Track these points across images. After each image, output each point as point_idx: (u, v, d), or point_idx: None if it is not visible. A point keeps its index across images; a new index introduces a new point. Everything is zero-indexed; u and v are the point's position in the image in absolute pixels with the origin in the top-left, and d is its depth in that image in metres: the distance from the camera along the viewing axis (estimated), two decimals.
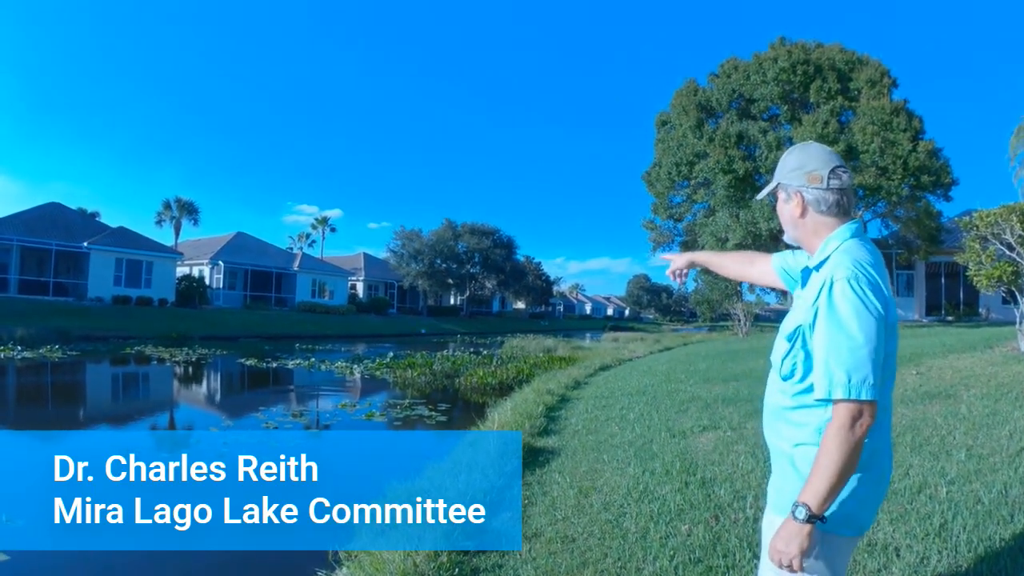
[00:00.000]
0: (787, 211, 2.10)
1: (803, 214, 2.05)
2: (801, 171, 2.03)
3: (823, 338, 1.83)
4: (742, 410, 8.40)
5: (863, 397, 1.74)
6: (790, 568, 1.82)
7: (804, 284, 2.07)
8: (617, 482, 5.59)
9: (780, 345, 2.06)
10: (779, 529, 1.85)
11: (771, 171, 28.67)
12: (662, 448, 6.69)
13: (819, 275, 1.93)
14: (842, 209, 2.01)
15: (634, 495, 5.15)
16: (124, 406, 13.75)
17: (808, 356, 1.92)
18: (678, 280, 2.82)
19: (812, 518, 1.77)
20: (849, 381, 1.75)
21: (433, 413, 11.71)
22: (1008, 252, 11.12)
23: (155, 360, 21.88)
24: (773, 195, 2.19)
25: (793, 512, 1.80)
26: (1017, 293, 11.25)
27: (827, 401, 1.82)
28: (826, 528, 1.85)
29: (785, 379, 2.02)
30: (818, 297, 1.88)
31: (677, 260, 2.76)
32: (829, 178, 1.99)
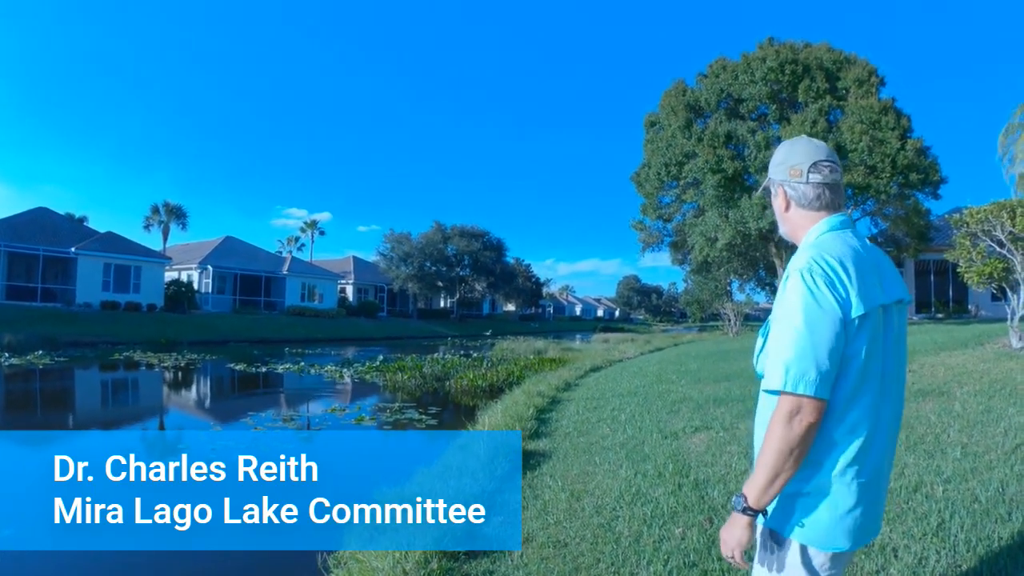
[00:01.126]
0: (775, 206, 2.11)
1: (787, 208, 2.06)
2: (784, 166, 2.04)
3: (774, 330, 1.82)
4: (734, 410, 8.35)
5: (800, 391, 1.68)
6: (732, 559, 1.82)
7: None
8: (609, 485, 5.52)
9: (757, 342, 2.05)
10: (728, 519, 1.84)
11: (760, 170, 28.78)
12: (654, 450, 6.63)
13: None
14: (824, 203, 1.99)
15: (626, 498, 5.08)
16: (113, 412, 13.63)
17: None
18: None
19: (748, 511, 1.76)
20: (787, 372, 1.70)
21: (423, 416, 11.63)
22: (999, 249, 11.12)
23: (144, 366, 21.73)
24: (767, 190, 2.17)
25: (733, 500, 1.79)
26: (1008, 289, 11.24)
27: (775, 392, 1.78)
28: (802, 540, 1.82)
29: (760, 376, 1.96)
30: (779, 290, 1.87)
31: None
32: (809, 172, 1.98)
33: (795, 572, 1.83)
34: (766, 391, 1.84)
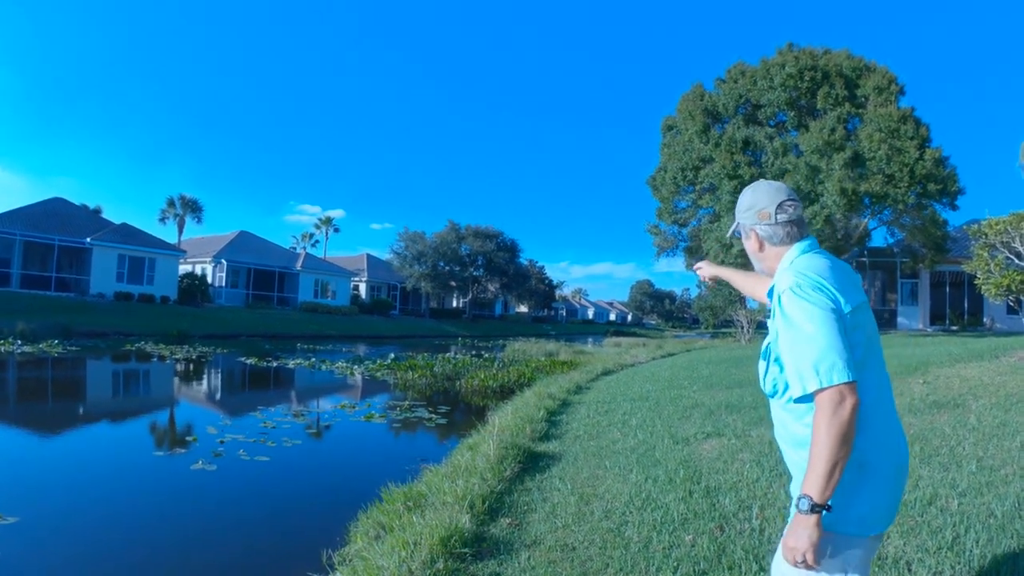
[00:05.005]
0: (749, 247, 2.32)
1: (761, 248, 2.27)
2: (752, 210, 2.25)
3: (784, 346, 1.93)
4: (746, 417, 8.29)
5: (836, 381, 1.78)
6: (805, 564, 1.84)
7: None
8: (619, 489, 5.48)
9: (760, 365, 2.19)
10: (789, 526, 1.88)
11: (777, 177, 28.60)
12: (665, 455, 6.58)
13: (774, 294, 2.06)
14: (792, 238, 2.19)
15: (636, 503, 5.04)
16: (122, 403, 13.67)
17: (783, 370, 2.01)
18: (708, 283, 3.11)
19: (816, 507, 1.79)
20: (818, 372, 1.80)
21: (433, 416, 11.60)
22: (1017, 260, 11.01)
23: (156, 357, 21.80)
24: (736, 233, 2.39)
25: (798, 505, 1.83)
26: None
27: (807, 399, 1.89)
28: (835, 529, 1.88)
29: (771, 396, 2.13)
30: (774, 314, 2.02)
31: (705, 271, 3.04)
32: (776, 213, 2.18)
33: (833, 562, 1.91)
34: (796, 400, 1.93)
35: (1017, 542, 3.76)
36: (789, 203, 2.18)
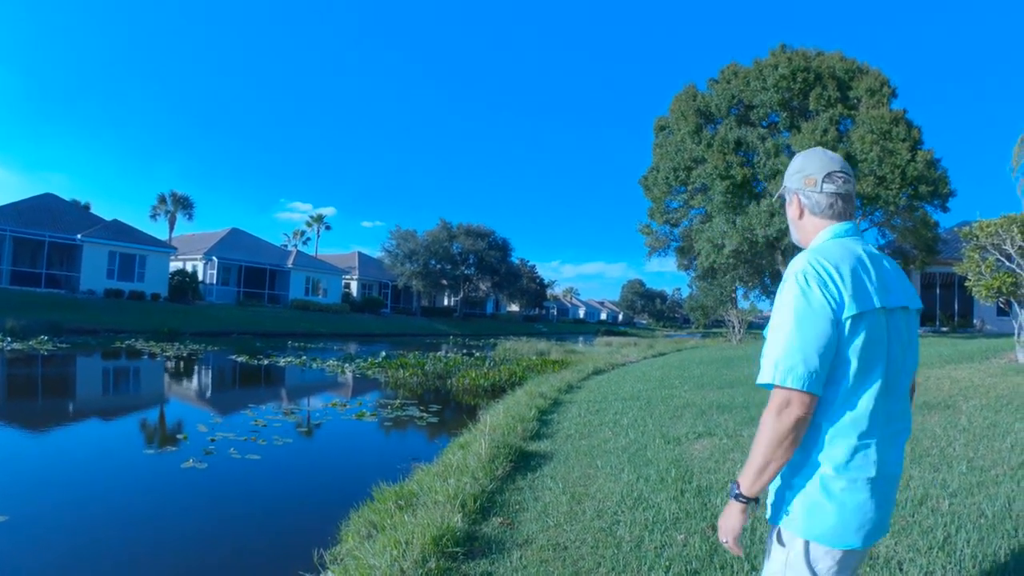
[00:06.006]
0: (789, 213, 2.21)
1: (800, 215, 2.15)
2: (800, 175, 2.14)
3: (770, 329, 1.89)
4: (737, 417, 8.30)
5: (788, 384, 1.75)
6: (727, 544, 1.92)
7: None
8: (611, 489, 5.48)
9: (763, 346, 2.11)
10: (725, 507, 1.94)
11: (769, 178, 28.65)
12: (656, 455, 6.58)
13: None
14: (835, 212, 2.07)
15: (628, 502, 5.04)
16: (112, 401, 13.60)
17: None
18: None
19: (740, 497, 1.85)
20: (776, 367, 1.78)
21: (424, 414, 11.58)
22: (1007, 263, 11.06)
23: (146, 355, 21.71)
24: (783, 198, 2.27)
25: (729, 488, 1.94)
26: (1016, 304, 11.17)
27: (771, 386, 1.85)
28: (808, 537, 1.85)
29: None
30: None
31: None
32: (823, 182, 2.07)
33: (801, 569, 1.87)
34: (758, 385, 1.89)
35: (1007, 542, 3.78)
36: (839, 175, 2.07)
